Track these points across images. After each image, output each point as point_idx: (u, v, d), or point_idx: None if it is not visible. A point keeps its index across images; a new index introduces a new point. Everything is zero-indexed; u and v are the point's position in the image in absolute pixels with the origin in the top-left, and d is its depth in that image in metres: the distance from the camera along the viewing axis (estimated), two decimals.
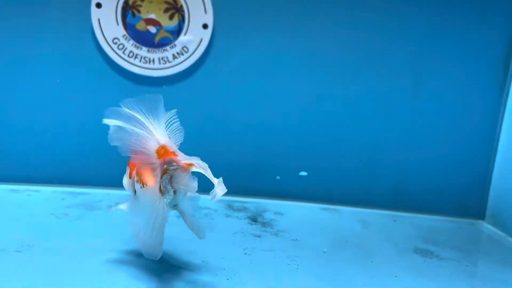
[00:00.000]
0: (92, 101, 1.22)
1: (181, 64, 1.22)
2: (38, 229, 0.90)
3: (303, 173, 1.25)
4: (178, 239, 0.88)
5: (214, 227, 1.01)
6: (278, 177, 1.27)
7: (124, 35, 1.19)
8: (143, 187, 0.68)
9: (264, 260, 0.85)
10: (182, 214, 0.72)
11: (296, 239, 0.98)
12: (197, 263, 0.81)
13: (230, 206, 1.18)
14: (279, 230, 1.02)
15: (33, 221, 0.94)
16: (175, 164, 0.66)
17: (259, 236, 0.97)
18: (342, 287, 0.77)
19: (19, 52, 1.18)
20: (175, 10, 1.19)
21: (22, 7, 1.16)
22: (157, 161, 0.66)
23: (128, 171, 0.79)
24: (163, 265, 0.79)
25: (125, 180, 0.81)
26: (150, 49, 1.20)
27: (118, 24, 1.18)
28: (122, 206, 0.80)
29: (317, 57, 1.25)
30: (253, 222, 1.06)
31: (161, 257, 0.70)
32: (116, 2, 1.16)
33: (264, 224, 1.05)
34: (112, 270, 0.75)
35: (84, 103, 1.22)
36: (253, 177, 1.29)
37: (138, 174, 0.73)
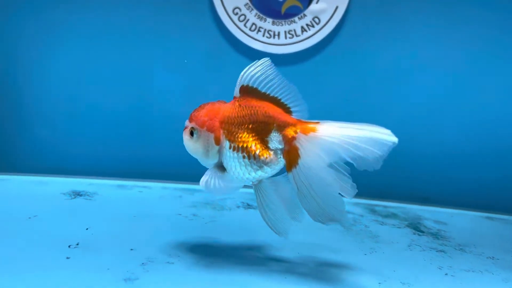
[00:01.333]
0: (206, 84, 1.04)
1: (311, 38, 1.02)
2: (175, 233, 0.72)
3: None
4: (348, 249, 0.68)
5: (377, 237, 0.78)
6: None
7: (247, 3, 1.00)
8: (255, 157, 0.58)
9: (480, 284, 0.62)
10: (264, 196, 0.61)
11: (493, 257, 0.73)
12: (393, 284, 0.59)
13: (373, 211, 0.95)
14: (460, 244, 0.78)
15: (164, 223, 0.77)
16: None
17: (443, 251, 0.74)
18: None
19: (131, 25, 1.01)
20: None
21: None
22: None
23: (210, 135, 0.60)
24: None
25: (204, 147, 0.61)
26: (276, 21, 1.01)
27: None
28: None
29: (474, 44, 1.01)
30: (419, 233, 0.83)
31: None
32: None
33: (435, 236, 0.82)
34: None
35: (197, 86, 1.04)
36: (393, 178, 1.06)
37: (238, 141, 0.59)
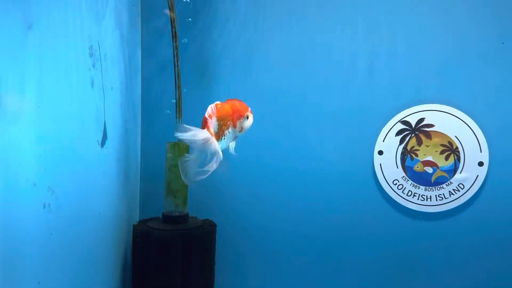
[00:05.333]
0: (370, 238, 1.35)
1: (457, 200, 1.29)
2: None
3: None
4: None
5: None
6: None
7: (403, 176, 1.32)
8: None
9: None
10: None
11: None
12: None
13: None
14: None
15: None
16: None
17: None
18: None
19: None
20: (451, 151, 1.29)
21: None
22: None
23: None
24: None
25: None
26: (427, 188, 1.31)
27: (397, 167, 1.32)
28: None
29: None
30: None
31: None
32: (396, 149, 1.32)
33: None
34: None
35: (361, 239, 1.35)
36: None
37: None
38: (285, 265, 1.38)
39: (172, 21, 1.19)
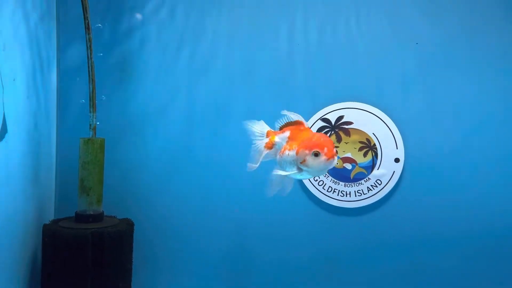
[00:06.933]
0: (291, 234, 1.35)
1: (375, 195, 1.32)
2: None
3: None
4: None
5: None
6: None
7: (325, 174, 1.34)
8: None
9: None
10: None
11: None
12: None
13: None
14: None
15: None
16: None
17: None
18: None
19: None
20: (369, 148, 1.32)
21: None
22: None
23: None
24: None
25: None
26: (347, 184, 1.33)
27: None
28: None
29: None
30: None
31: None
32: None
33: None
34: None
35: (283, 235, 1.35)
36: None
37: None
38: (206, 264, 1.36)
39: (84, 11, 1.14)
